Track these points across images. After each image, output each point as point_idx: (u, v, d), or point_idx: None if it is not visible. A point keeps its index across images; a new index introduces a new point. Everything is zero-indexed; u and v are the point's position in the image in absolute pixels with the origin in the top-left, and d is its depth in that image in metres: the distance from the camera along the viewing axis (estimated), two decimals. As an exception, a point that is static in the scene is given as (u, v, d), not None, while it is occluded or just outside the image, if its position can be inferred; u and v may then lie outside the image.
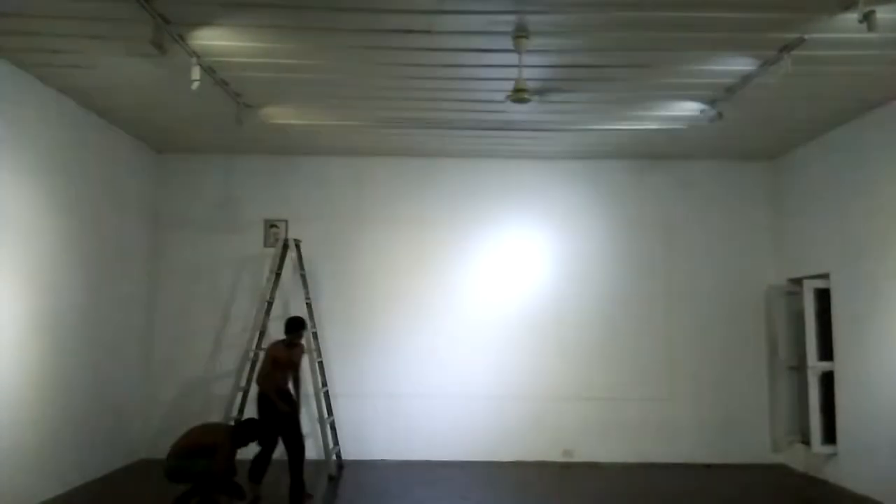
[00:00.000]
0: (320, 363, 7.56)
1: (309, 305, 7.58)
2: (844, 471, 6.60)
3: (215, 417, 7.68)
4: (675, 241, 8.07)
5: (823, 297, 7.00)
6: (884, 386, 6.03)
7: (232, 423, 6.15)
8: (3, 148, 5.32)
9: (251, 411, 6.32)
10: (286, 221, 8.09)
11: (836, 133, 6.86)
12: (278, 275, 7.60)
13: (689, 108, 6.27)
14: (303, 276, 7.61)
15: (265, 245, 8.06)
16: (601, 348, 7.93)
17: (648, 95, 5.99)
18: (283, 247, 7.67)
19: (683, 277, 8.00)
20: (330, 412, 7.47)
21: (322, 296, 7.94)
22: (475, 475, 7.13)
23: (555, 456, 7.71)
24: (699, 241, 8.06)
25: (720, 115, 5.96)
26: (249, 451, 5.92)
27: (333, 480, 6.84)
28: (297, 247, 7.70)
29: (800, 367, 7.47)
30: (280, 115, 6.64)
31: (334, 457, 7.31)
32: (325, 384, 7.54)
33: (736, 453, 7.67)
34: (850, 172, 6.61)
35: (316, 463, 7.13)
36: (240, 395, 7.43)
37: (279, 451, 6.02)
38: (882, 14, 4.14)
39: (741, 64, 5.25)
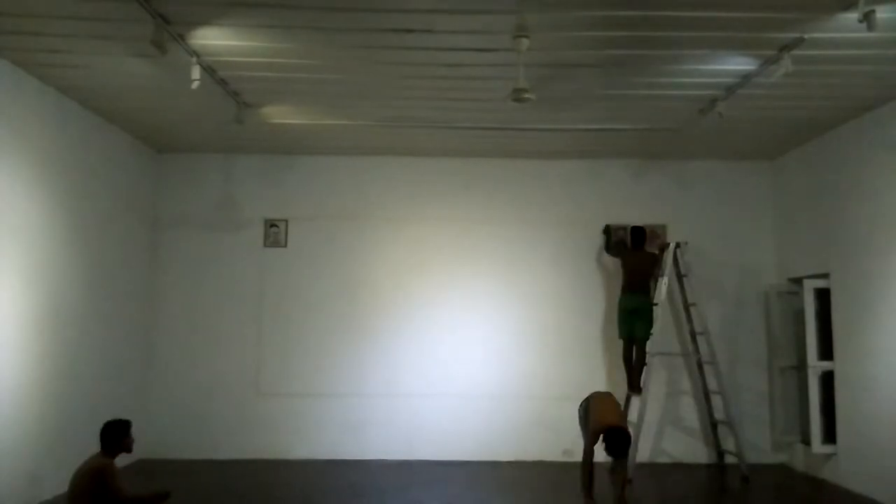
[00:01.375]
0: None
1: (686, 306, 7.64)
2: (844, 471, 6.60)
3: (215, 417, 7.70)
4: (675, 240, 8.05)
5: (823, 297, 7.00)
6: (884, 386, 6.03)
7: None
8: (2, 148, 5.32)
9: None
10: (286, 221, 8.09)
11: (836, 133, 6.86)
12: None
13: (689, 108, 6.27)
14: None
15: (265, 245, 8.07)
16: (601, 348, 7.93)
17: (648, 95, 5.99)
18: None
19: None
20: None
21: (321, 295, 7.94)
22: (475, 475, 7.12)
23: (555, 456, 7.70)
24: (699, 241, 8.05)
25: (720, 115, 5.96)
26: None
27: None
28: None
29: (800, 367, 7.47)
30: (280, 114, 6.64)
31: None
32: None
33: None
34: (850, 172, 6.61)
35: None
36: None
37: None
38: (882, 14, 4.14)
39: (741, 64, 5.25)
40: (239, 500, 6.20)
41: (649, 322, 7.26)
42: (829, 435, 6.82)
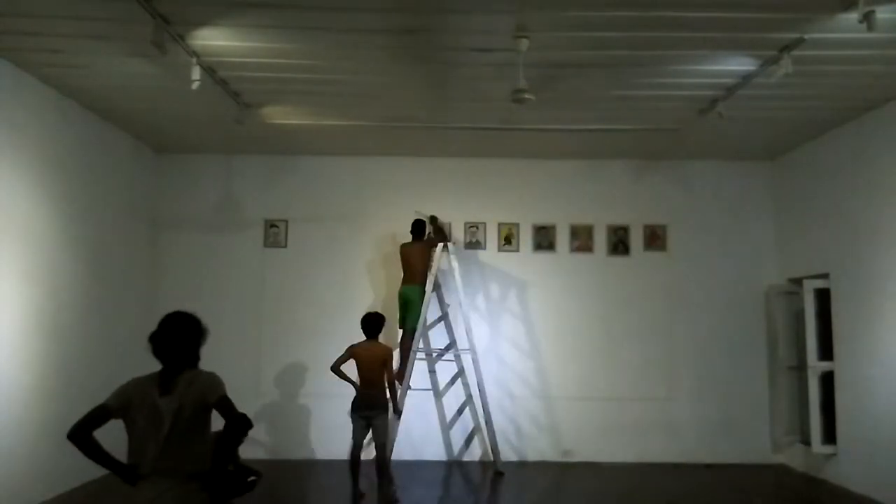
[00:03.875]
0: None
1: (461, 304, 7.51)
2: (844, 471, 6.60)
3: (214, 417, 7.68)
4: (675, 240, 8.08)
5: (823, 297, 7.00)
6: (884, 386, 6.03)
7: None
8: (2, 148, 5.32)
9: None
10: (286, 221, 8.09)
11: (836, 133, 6.86)
12: None
13: (689, 107, 6.27)
14: None
15: (265, 245, 8.07)
16: (601, 348, 7.93)
17: (648, 95, 5.99)
18: None
19: (683, 277, 8.00)
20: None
21: (321, 295, 7.94)
22: (475, 475, 7.12)
23: (555, 456, 7.72)
24: (699, 241, 8.06)
25: (720, 115, 5.96)
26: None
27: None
28: None
29: (800, 367, 7.47)
30: (280, 115, 6.64)
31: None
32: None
33: (736, 453, 7.67)
34: (851, 172, 6.61)
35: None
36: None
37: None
38: (882, 14, 4.15)
39: (741, 64, 5.25)
40: (239, 499, 6.19)
41: (417, 313, 7.30)
42: (829, 435, 6.82)
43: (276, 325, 7.91)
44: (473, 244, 8.12)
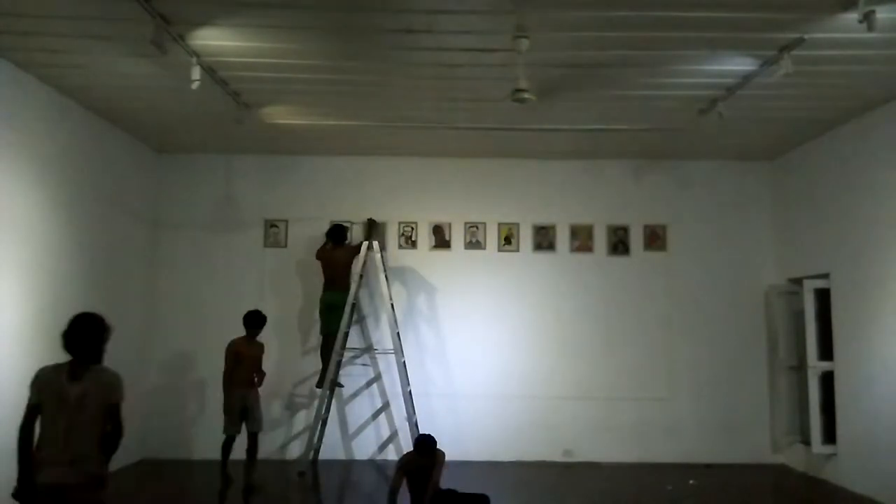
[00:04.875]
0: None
1: (392, 306, 7.48)
2: (844, 471, 6.60)
3: (214, 418, 7.68)
4: (675, 240, 8.08)
5: (823, 297, 7.00)
6: (884, 386, 6.04)
7: None
8: (2, 148, 5.32)
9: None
10: (286, 221, 8.10)
11: (836, 133, 6.86)
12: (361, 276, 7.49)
13: (689, 107, 6.27)
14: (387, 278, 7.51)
15: (265, 245, 8.07)
16: (601, 348, 7.93)
17: (648, 95, 5.99)
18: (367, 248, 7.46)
19: (683, 277, 8.00)
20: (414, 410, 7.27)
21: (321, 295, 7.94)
22: (475, 475, 7.12)
23: (555, 456, 7.71)
24: (699, 241, 8.06)
25: (720, 115, 5.96)
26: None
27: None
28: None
29: (800, 367, 7.47)
30: (280, 115, 6.64)
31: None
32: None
33: (736, 453, 7.67)
34: (851, 172, 6.61)
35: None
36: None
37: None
38: (882, 14, 4.15)
39: (741, 64, 5.25)
40: (239, 499, 6.21)
41: (340, 318, 7.25)
42: (829, 435, 6.82)
43: (276, 326, 7.89)
44: (473, 244, 8.12)
